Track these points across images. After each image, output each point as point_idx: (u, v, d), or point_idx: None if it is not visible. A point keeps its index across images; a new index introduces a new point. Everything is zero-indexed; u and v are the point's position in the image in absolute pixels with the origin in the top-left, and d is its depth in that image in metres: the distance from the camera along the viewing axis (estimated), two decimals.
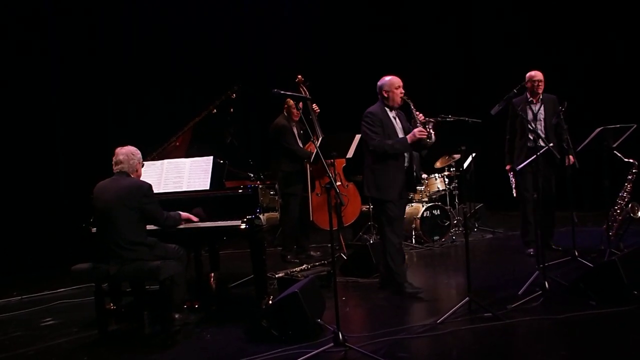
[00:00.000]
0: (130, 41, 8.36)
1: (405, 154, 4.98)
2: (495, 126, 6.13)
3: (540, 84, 5.99)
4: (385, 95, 4.98)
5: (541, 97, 6.04)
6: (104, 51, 8.06)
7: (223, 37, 9.53)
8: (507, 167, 6.39)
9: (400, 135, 4.95)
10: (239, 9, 9.77)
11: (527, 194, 5.99)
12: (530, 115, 5.96)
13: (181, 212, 4.53)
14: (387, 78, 5.01)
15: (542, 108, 6.01)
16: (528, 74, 6.05)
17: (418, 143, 4.89)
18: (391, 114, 5.01)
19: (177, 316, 4.48)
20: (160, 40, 8.72)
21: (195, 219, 4.58)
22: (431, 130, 4.91)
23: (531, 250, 6.06)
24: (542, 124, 5.98)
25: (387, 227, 4.98)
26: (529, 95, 6.04)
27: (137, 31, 8.47)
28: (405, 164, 4.99)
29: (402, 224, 5.35)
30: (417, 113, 4.94)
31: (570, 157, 5.85)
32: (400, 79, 5.02)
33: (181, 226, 4.62)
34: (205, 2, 9.27)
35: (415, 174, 5.13)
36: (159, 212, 4.33)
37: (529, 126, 5.57)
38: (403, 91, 4.96)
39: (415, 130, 4.83)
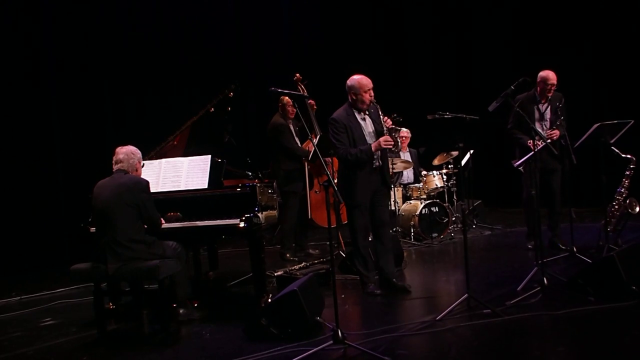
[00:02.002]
0: (128, 40, 8.35)
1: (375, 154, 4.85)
2: (493, 123, 6.10)
3: (553, 87, 5.78)
4: (354, 97, 4.82)
5: (549, 97, 5.85)
6: (102, 50, 8.04)
7: (221, 36, 9.53)
8: (530, 143, 5.64)
9: (369, 138, 4.83)
10: (236, 8, 9.76)
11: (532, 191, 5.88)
12: (536, 115, 5.81)
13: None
14: (357, 78, 4.80)
15: (549, 108, 5.84)
16: (542, 74, 5.81)
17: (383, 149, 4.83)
18: (359, 116, 4.87)
19: (181, 311, 4.52)
20: (157, 39, 8.72)
21: (162, 221, 4.56)
22: (398, 139, 4.84)
23: (530, 244, 6.06)
24: (548, 124, 5.84)
25: (354, 234, 4.96)
26: (537, 95, 5.84)
27: (135, 30, 8.47)
28: (376, 164, 4.88)
29: (387, 218, 5.19)
30: (385, 119, 4.83)
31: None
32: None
33: (179, 225, 4.63)
34: (203, 1, 9.26)
35: (386, 171, 5.01)
36: (154, 211, 4.34)
37: (534, 126, 5.43)
38: (372, 94, 4.79)
39: (381, 139, 4.72)
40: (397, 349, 3.63)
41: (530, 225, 6.17)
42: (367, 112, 4.90)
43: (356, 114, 4.88)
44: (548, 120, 5.85)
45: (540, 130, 5.73)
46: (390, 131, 4.80)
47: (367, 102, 4.80)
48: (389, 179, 5.11)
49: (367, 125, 4.90)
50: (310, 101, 6.70)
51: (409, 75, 9.63)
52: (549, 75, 5.79)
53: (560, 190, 5.98)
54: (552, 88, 5.79)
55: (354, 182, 4.84)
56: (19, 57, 7.43)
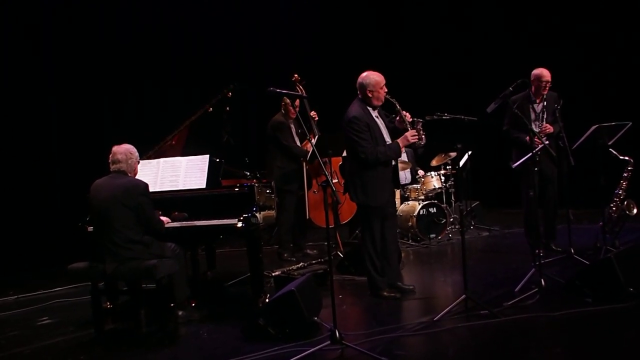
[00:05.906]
0: (127, 40, 8.34)
1: None
2: (491, 124, 6.10)
3: (548, 85, 5.71)
4: (370, 95, 4.74)
5: (544, 96, 5.80)
6: (100, 50, 8.04)
7: (220, 36, 9.52)
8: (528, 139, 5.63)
9: (385, 135, 4.79)
10: (236, 9, 9.76)
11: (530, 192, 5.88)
12: (532, 115, 5.76)
13: (162, 217, 4.52)
14: (372, 76, 4.75)
15: (544, 108, 5.77)
16: (535, 72, 5.75)
17: (409, 145, 4.81)
18: (374, 114, 4.82)
19: (180, 313, 4.51)
20: (156, 39, 8.71)
21: (167, 220, 4.56)
22: (422, 132, 4.80)
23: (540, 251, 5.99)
24: (544, 124, 5.76)
25: (367, 235, 4.83)
26: (532, 95, 5.78)
27: (134, 30, 8.46)
28: (392, 162, 4.86)
29: (395, 221, 5.19)
30: (404, 113, 4.78)
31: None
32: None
33: (177, 225, 4.63)
34: (203, 1, 9.25)
35: (397, 170, 4.97)
36: (153, 214, 4.33)
37: (531, 126, 5.41)
38: (386, 90, 4.78)
39: (408, 134, 4.69)
40: (394, 349, 3.63)
41: (527, 225, 6.10)
42: (379, 109, 4.88)
43: (371, 112, 4.81)
44: (544, 120, 5.78)
45: (536, 130, 5.71)
46: (412, 124, 4.75)
47: (383, 98, 4.77)
48: (399, 179, 5.05)
49: (381, 122, 4.87)
50: (312, 113, 6.71)
51: (407, 75, 9.63)
52: (543, 72, 5.74)
53: (556, 200, 5.93)
54: (547, 85, 5.72)
55: (375, 182, 4.72)
56: (18, 57, 7.41)
